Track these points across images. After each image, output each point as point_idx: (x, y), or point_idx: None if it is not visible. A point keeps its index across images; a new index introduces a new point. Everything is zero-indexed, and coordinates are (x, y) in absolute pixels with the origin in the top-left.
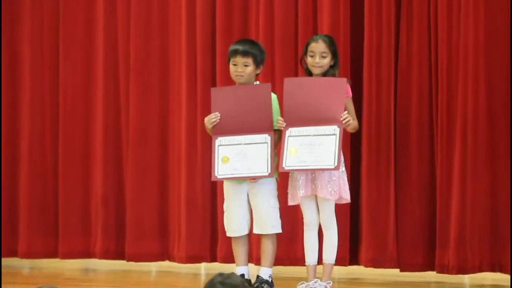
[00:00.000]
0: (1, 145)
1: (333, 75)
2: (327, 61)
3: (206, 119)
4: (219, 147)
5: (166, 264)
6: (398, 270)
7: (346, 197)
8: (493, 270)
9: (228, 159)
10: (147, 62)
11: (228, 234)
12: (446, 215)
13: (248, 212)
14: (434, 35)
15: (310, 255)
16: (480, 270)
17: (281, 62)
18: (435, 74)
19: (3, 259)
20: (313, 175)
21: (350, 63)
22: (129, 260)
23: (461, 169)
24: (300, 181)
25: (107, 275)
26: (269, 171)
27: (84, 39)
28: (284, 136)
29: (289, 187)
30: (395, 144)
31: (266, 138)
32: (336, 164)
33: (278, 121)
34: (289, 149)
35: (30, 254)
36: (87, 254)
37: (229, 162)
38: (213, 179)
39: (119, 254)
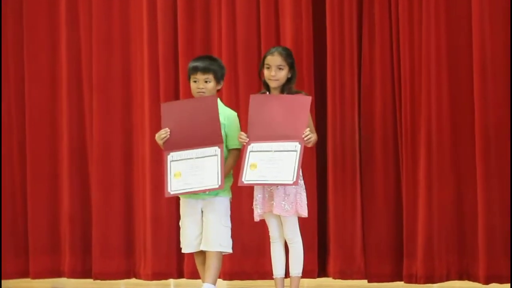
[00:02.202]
0: None
1: (290, 88)
2: (283, 74)
3: (156, 135)
4: (171, 162)
5: (134, 282)
6: (366, 281)
7: (303, 213)
8: (461, 278)
9: (180, 174)
10: (109, 79)
11: (182, 251)
12: (413, 225)
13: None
14: (396, 47)
15: (277, 268)
16: (448, 278)
17: (244, 76)
18: (398, 86)
19: None
20: (270, 190)
21: (314, 76)
22: (95, 278)
23: (426, 180)
24: (257, 199)
25: None
26: (219, 183)
27: (47, 57)
28: (246, 151)
29: (253, 204)
30: (360, 156)
31: (216, 150)
32: (294, 180)
33: (240, 136)
34: (249, 164)
35: (2, 275)
36: (57, 273)
37: (181, 177)
38: (166, 195)
39: (86, 272)
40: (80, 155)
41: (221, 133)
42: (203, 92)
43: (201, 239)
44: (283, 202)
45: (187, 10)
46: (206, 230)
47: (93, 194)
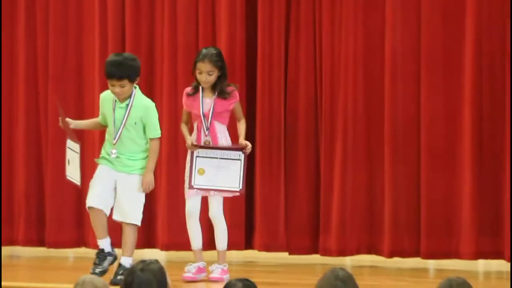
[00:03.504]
0: None
1: (222, 86)
2: (213, 77)
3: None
4: (197, 158)
5: (82, 251)
6: (287, 253)
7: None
8: (369, 252)
9: (204, 171)
10: (64, 69)
11: (87, 205)
12: (328, 205)
13: (112, 196)
14: (318, 49)
15: (195, 241)
16: (358, 252)
17: (183, 73)
18: (319, 83)
19: None
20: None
21: (245, 73)
22: (49, 247)
23: (341, 165)
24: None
25: (30, 260)
26: (241, 187)
27: (7, 51)
28: (193, 156)
29: (185, 183)
30: (285, 143)
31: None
32: (241, 187)
33: (187, 141)
34: (197, 169)
35: None
36: (14, 242)
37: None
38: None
39: (40, 242)
40: (35, 139)
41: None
42: (119, 95)
43: (108, 201)
44: None
45: (133, 11)
46: (120, 202)
47: (47, 173)
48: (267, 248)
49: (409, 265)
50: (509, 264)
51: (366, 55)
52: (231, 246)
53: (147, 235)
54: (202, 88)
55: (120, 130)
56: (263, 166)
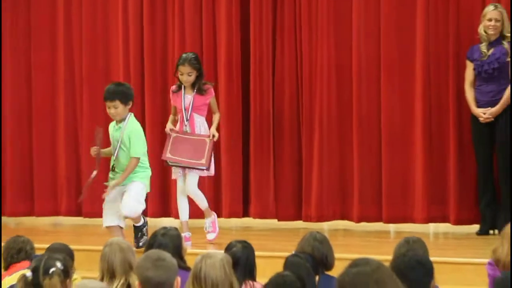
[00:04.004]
0: None
1: (199, 84)
2: (192, 77)
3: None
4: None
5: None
6: (276, 220)
7: (211, 173)
8: (342, 218)
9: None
10: (95, 72)
11: (104, 226)
12: (309, 181)
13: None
14: (299, 55)
15: (182, 214)
16: (333, 219)
17: None
18: (300, 84)
19: None
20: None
21: (241, 76)
22: (85, 217)
23: (319, 150)
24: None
25: (69, 227)
26: (207, 165)
27: (49, 53)
28: (170, 137)
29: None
30: (273, 132)
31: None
32: (207, 165)
33: (167, 127)
34: (170, 145)
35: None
36: (56, 213)
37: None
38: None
39: (78, 213)
40: (73, 132)
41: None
42: (114, 116)
43: (119, 216)
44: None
45: (150, 22)
46: (123, 199)
47: (83, 160)
48: (260, 216)
49: (374, 228)
50: (454, 226)
51: (337, 62)
52: (231, 214)
53: (163, 207)
54: (184, 86)
55: (117, 149)
56: (256, 151)
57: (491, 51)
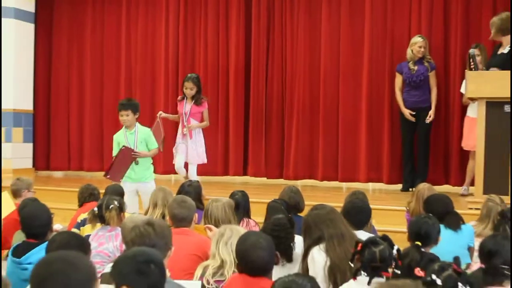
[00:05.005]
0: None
1: (197, 98)
2: (193, 91)
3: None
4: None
5: None
6: (266, 178)
7: (204, 161)
8: (310, 178)
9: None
10: (145, 75)
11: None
12: (288, 151)
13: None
14: (284, 62)
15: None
16: (304, 178)
17: (212, 77)
18: (284, 85)
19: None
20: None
21: (244, 79)
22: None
23: (296, 131)
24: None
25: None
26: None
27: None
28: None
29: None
30: (265, 118)
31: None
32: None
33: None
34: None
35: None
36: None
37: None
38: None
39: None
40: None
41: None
42: (125, 121)
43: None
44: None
45: (183, 41)
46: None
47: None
48: (255, 175)
49: (332, 185)
50: (386, 185)
51: (310, 69)
52: (235, 173)
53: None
54: (186, 97)
55: (135, 148)
56: (253, 130)
57: (416, 67)
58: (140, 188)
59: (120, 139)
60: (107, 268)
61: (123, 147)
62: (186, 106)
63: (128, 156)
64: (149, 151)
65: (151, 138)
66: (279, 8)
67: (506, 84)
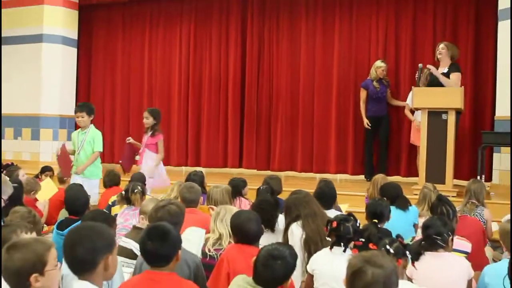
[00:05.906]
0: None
1: (154, 129)
2: (150, 120)
3: None
4: None
5: None
6: (256, 170)
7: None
8: (291, 170)
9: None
10: (163, 89)
11: None
12: (274, 147)
13: None
14: (272, 77)
15: None
16: (285, 170)
17: (216, 91)
18: (271, 95)
19: None
20: None
21: (240, 89)
22: None
23: (280, 132)
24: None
25: None
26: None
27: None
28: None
29: None
30: (256, 121)
31: None
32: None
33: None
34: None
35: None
36: None
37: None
38: None
39: None
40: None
41: None
42: (80, 122)
43: None
44: None
45: (193, 54)
46: None
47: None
48: (248, 167)
49: (308, 176)
50: (351, 176)
51: (291, 82)
52: (232, 166)
53: (195, 159)
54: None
55: (80, 147)
56: (246, 131)
57: (379, 85)
58: (85, 184)
59: (74, 137)
60: (121, 242)
61: (62, 145)
62: (145, 137)
63: (64, 152)
64: (93, 152)
65: (98, 140)
66: (268, 36)
67: (443, 98)
